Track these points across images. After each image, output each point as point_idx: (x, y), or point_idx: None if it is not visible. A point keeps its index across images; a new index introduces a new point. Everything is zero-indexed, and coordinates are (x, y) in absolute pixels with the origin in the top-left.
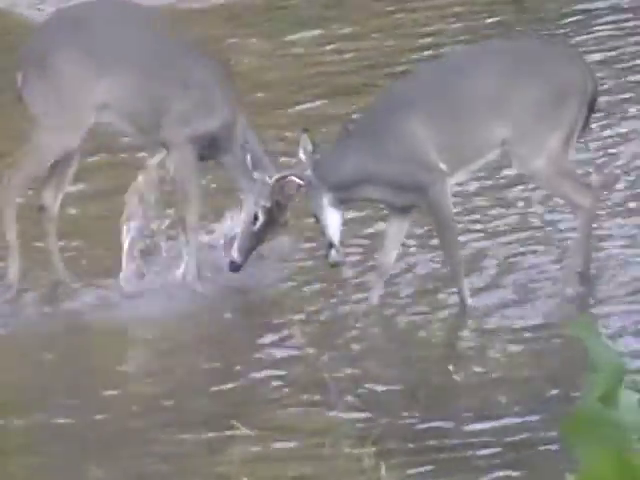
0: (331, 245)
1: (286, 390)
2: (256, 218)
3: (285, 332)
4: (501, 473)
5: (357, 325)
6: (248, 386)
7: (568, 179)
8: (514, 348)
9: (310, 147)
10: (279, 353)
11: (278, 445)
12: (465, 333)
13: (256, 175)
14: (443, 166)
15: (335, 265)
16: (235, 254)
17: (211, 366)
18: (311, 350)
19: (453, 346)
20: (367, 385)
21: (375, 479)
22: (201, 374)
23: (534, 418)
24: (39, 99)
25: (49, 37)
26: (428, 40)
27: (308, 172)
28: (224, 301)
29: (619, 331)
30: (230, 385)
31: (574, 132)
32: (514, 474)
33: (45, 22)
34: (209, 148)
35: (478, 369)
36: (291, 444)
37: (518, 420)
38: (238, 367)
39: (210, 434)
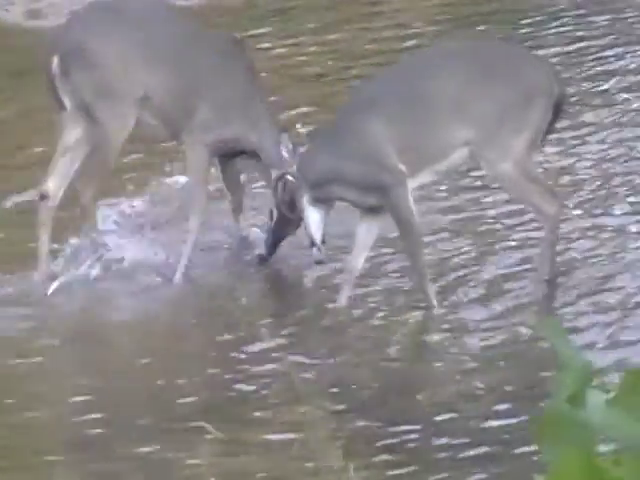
0: (313, 243)
1: (257, 391)
2: (272, 215)
3: (257, 333)
4: (477, 475)
5: (329, 325)
6: (220, 387)
7: (534, 184)
8: (487, 351)
9: (290, 146)
10: (251, 355)
11: (247, 445)
12: (437, 335)
13: (273, 173)
14: (403, 167)
15: (319, 263)
16: (263, 249)
17: (181, 366)
18: (283, 350)
19: (427, 347)
20: (339, 385)
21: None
22: (171, 373)
23: (510, 420)
24: (85, 91)
25: (88, 27)
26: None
27: (293, 170)
28: (194, 303)
29: (587, 332)
30: (201, 385)
31: (539, 135)
32: (490, 476)
33: (82, 11)
34: (235, 148)
35: (453, 371)
36: (260, 444)
37: (494, 422)
38: (212, 370)
39: (179, 434)
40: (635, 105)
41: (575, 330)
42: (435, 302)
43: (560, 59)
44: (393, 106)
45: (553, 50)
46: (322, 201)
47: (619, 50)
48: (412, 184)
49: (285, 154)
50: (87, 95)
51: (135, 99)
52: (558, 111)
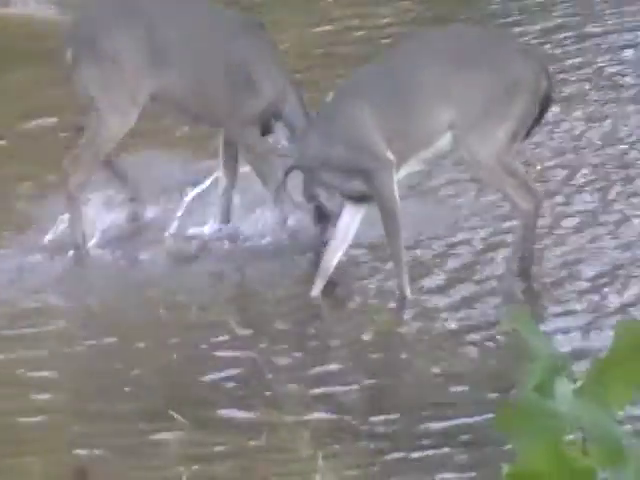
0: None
1: (228, 386)
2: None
3: (225, 321)
4: (450, 474)
5: (303, 314)
6: (192, 383)
7: (512, 177)
8: (462, 348)
9: (288, 134)
10: (225, 351)
11: (216, 438)
12: (412, 332)
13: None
14: (391, 156)
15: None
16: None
17: (153, 360)
18: (253, 338)
19: (401, 345)
20: (314, 382)
21: (312, 472)
22: (141, 367)
23: (484, 417)
24: (92, 84)
25: (100, 19)
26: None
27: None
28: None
29: (555, 321)
30: (174, 379)
31: (521, 129)
32: (464, 475)
33: (95, 3)
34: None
35: (427, 369)
36: (229, 439)
37: (468, 420)
38: (188, 365)
39: (147, 426)
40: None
41: (544, 319)
42: (408, 290)
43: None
44: (380, 91)
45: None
46: (316, 187)
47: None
48: (401, 173)
49: (284, 143)
50: (93, 88)
51: (142, 97)
52: (544, 109)
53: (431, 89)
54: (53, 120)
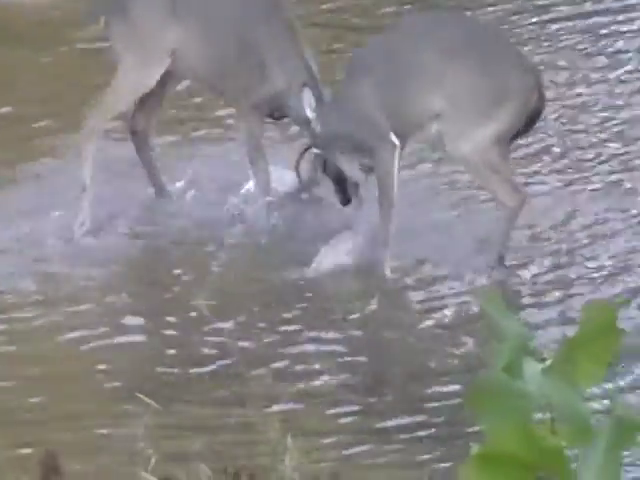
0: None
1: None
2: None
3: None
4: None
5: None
6: (156, 361)
7: (497, 175)
8: (434, 339)
9: (313, 102)
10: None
11: (185, 417)
12: (391, 324)
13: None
14: (394, 139)
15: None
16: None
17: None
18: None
19: (377, 337)
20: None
21: (281, 452)
22: (111, 350)
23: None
24: (119, 40)
25: None
26: None
27: (317, 128)
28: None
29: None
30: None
31: (506, 135)
32: (442, 465)
33: None
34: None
35: (413, 359)
36: (199, 415)
37: (447, 413)
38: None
39: (114, 406)
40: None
41: (522, 306)
42: (389, 270)
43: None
44: (382, 72)
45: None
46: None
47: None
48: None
49: (308, 112)
50: (119, 45)
51: (163, 52)
52: (531, 123)
53: (424, 74)
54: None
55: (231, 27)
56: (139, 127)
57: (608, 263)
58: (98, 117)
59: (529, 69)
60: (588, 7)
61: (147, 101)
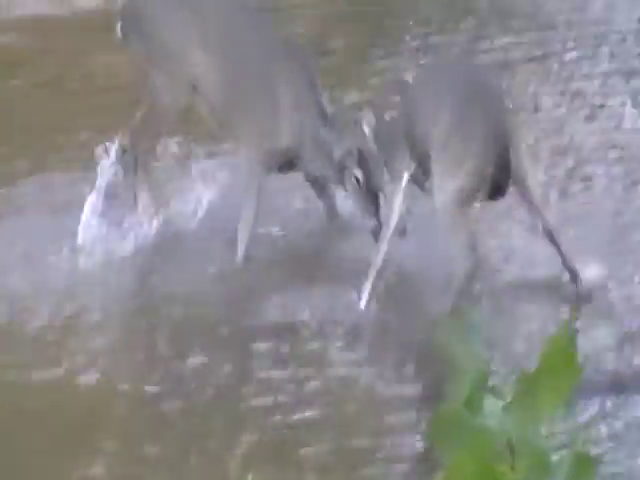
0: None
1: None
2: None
3: None
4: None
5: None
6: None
7: (464, 229)
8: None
9: (373, 121)
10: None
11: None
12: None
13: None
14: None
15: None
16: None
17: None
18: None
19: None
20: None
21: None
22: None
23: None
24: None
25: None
26: None
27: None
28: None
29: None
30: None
31: (470, 193)
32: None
33: None
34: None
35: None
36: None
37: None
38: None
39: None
40: None
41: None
42: (366, 297)
43: None
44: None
45: None
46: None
47: None
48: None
49: (365, 129)
50: (146, 64)
51: (186, 79)
52: (496, 192)
53: (422, 117)
54: None
55: (251, 63)
56: (140, 147)
57: None
58: (148, 141)
59: (497, 138)
60: None
61: (153, 122)
